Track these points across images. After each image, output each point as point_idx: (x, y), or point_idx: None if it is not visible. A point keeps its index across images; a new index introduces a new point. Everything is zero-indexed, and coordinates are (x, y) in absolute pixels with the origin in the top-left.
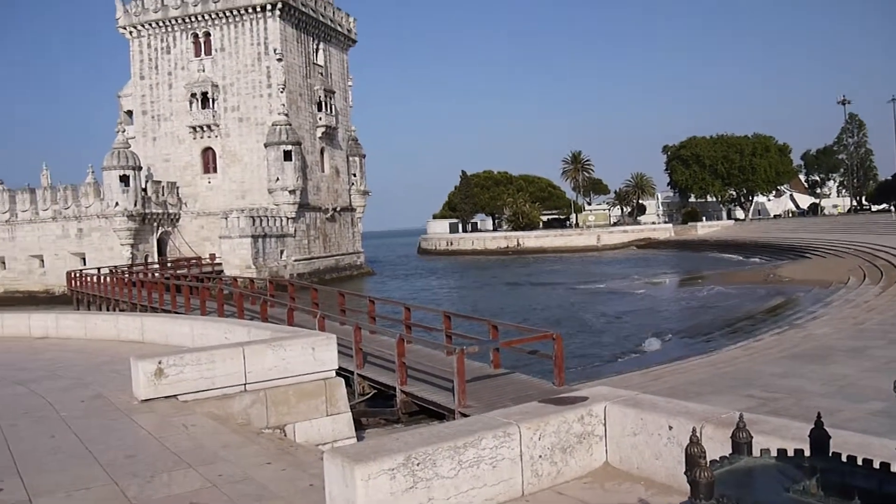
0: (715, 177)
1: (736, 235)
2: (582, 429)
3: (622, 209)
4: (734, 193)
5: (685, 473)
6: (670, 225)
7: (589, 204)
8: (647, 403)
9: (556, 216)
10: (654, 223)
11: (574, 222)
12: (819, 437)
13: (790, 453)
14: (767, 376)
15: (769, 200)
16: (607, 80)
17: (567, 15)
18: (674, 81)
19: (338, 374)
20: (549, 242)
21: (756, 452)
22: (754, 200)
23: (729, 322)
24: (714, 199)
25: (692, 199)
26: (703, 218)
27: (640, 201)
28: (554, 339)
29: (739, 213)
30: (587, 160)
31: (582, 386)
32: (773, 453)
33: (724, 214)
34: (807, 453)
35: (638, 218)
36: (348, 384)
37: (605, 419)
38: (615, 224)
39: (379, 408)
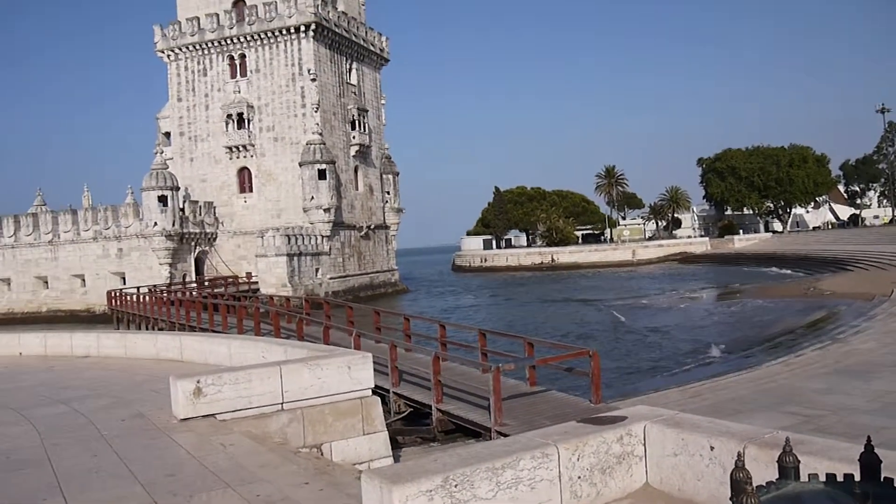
0: (751, 189)
1: (774, 248)
2: (621, 449)
3: (657, 223)
4: (771, 205)
5: (731, 500)
6: (706, 238)
7: (623, 218)
8: (688, 423)
9: (591, 231)
10: (689, 237)
11: (609, 237)
12: (870, 462)
13: (839, 478)
14: (810, 393)
15: (808, 212)
16: (640, 92)
17: (597, 29)
18: (707, 93)
19: (374, 392)
20: (584, 258)
21: (804, 476)
22: (792, 212)
23: (769, 337)
24: (751, 212)
25: (728, 212)
26: (741, 231)
27: (676, 215)
28: (590, 356)
29: (777, 226)
30: (621, 174)
31: (620, 403)
32: (822, 478)
33: (762, 227)
34: (857, 477)
35: (673, 232)
36: (384, 402)
37: (644, 439)
38: (650, 238)
39: (415, 426)
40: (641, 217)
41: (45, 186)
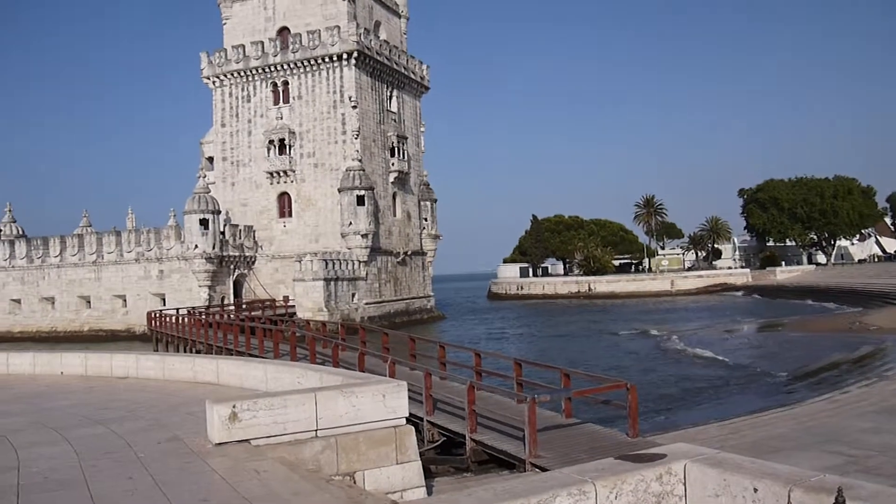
0: (794, 220)
1: (817, 281)
2: (661, 488)
3: (697, 253)
4: (815, 237)
5: None
6: (748, 270)
7: (662, 248)
8: (730, 463)
9: (629, 260)
10: (730, 268)
11: (647, 267)
12: None
13: None
14: (856, 432)
15: (853, 244)
16: (680, 121)
17: (638, 56)
18: (749, 121)
19: (408, 421)
20: (622, 287)
21: None
22: (837, 244)
23: (811, 372)
24: (794, 244)
25: (770, 244)
26: (783, 263)
27: (716, 245)
28: (628, 389)
29: (821, 258)
30: (660, 204)
31: (658, 438)
32: None
33: (805, 259)
34: None
35: (713, 262)
36: (418, 431)
37: (685, 478)
38: (689, 269)
39: (448, 455)
40: (681, 247)
41: (92, 208)
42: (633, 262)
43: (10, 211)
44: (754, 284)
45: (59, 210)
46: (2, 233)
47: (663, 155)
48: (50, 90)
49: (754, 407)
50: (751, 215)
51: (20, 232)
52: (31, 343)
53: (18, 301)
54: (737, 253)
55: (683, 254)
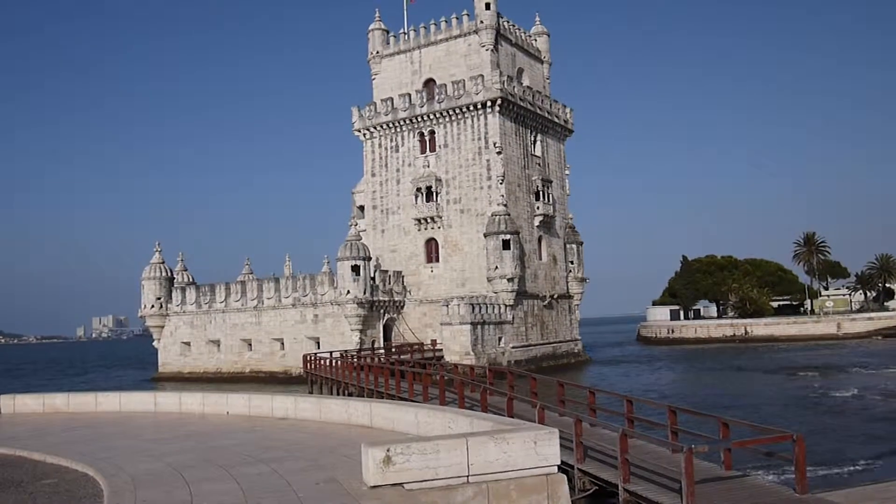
0: None
1: None
2: None
3: (865, 294)
4: None
5: None
6: None
7: (825, 289)
8: None
9: (788, 302)
10: None
11: (809, 308)
12: None
13: None
14: None
15: None
16: (844, 153)
17: (799, 84)
18: None
19: (559, 469)
20: (781, 330)
21: None
22: None
23: None
24: None
25: None
26: None
27: (887, 285)
28: (794, 440)
29: None
30: (822, 241)
31: (829, 494)
32: None
33: None
34: None
35: (885, 304)
36: (568, 479)
37: None
38: (857, 311)
39: None
40: (846, 287)
41: (254, 256)
42: (794, 303)
43: (181, 260)
44: None
45: (226, 258)
46: (175, 280)
47: (823, 190)
48: (216, 154)
49: None
50: None
51: (191, 279)
52: (199, 383)
53: (188, 343)
54: None
55: (850, 294)
